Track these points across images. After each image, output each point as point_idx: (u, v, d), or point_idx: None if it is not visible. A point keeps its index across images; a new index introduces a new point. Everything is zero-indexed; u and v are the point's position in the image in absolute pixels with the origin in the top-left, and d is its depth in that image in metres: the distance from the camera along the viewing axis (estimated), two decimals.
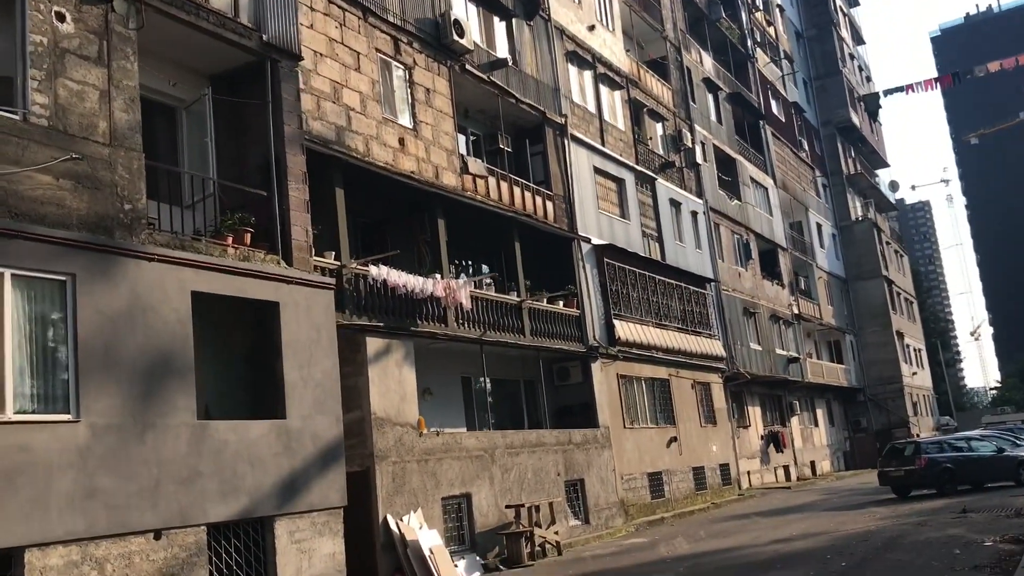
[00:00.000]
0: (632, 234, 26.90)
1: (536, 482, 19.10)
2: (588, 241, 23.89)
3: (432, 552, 14.61)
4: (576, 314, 22.57)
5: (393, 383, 15.65)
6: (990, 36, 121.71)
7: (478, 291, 18.92)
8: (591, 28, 26.65)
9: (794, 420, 38.16)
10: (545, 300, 21.53)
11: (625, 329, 24.49)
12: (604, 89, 27.05)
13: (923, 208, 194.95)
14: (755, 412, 34.56)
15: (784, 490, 31.08)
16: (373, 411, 14.98)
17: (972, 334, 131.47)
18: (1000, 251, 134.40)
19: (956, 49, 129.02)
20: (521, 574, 15.53)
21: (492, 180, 20.42)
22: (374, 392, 15.09)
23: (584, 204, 24.33)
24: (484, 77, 20.89)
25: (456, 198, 18.84)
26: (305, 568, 10.79)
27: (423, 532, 14.90)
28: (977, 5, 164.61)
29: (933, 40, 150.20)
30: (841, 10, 57.22)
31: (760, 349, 34.79)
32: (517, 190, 21.33)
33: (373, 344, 15.36)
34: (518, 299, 20.25)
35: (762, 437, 34.49)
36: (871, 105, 54.91)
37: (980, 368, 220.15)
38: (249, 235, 11.40)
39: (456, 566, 15.44)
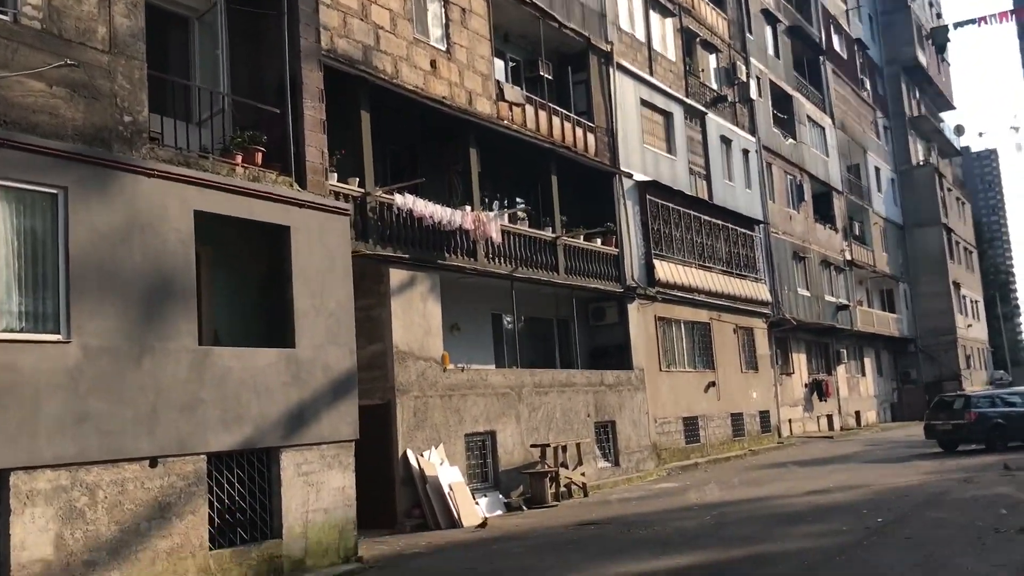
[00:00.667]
0: (678, 171, 25.87)
1: (565, 422, 18.61)
2: (630, 177, 22.97)
3: (452, 488, 14.25)
4: (614, 253, 21.80)
5: (417, 316, 15.15)
6: None
7: (510, 225, 18.26)
8: None
9: (840, 369, 37.12)
10: (582, 237, 20.79)
11: (665, 270, 23.67)
12: (654, 16, 25.78)
13: (990, 156, 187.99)
14: (800, 359, 33.61)
15: (826, 440, 30.29)
16: (395, 344, 14.52)
17: None
18: None
19: None
20: (544, 514, 15.13)
21: (530, 109, 19.57)
22: (397, 325, 14.61)
23: (628, 138, 23.35)
24: None
25: (490, 126, 18.06)
26: (312, 501, 10.43)
27: (444, 468, 14.53)
28: None
29: None
30: None
31: (808, 295, 33.68)
32: (556, 120, 20.45)
33: (397, 276, 14.84)
34: (553, 235, 19.54)
35: (806, 385, 33.59)
36: (939, 38, 52.23)
37: None
38: (260, 154, 10.82)
39: (477, 503, 15.08)
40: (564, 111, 20.92)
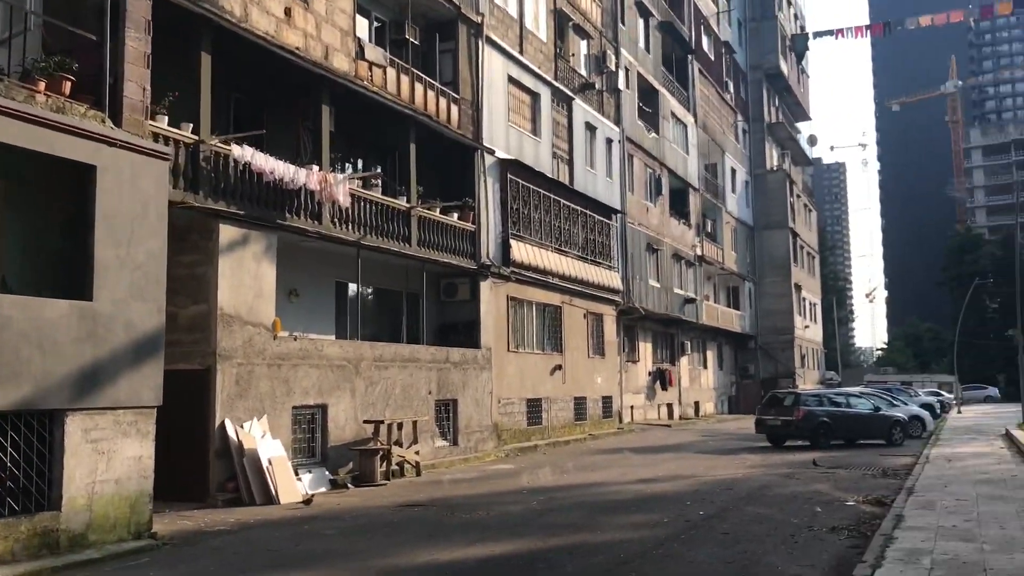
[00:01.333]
0: (542, 153, 25.61)
1: (404, 399, 18.04)
2: (492, 154, 22.50)
3: (271, 463, 13.44)
4: (471, 229, 21.32)
5: (248, 278, 14.19)
6: (924, 3, 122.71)
7: (361, 190, 17.45)
8: None
9: (684, 360, 38.12)
10: (438, 210, 20.21)
11: (522, 250, 23.39)
12: None
13: (838, 169, 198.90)
14: (646, 348, 34.24)
15: (664, 428, 30.96)
16: (220, 306, 13.53)
17: (867, 296, 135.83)
18: (904, 220, 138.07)
19: (891, 9, 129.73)
20: (370, 493, 14.53)
21: (392, 72, 18.76)
22: (224, 285, 13.63)
23: (493, 114, 22.87)
24: None
25: (347, 84, 17.15)
26: (101, 471, 9.44)
27: (264, 441, 13.69)
28: None
29: (871, 4, 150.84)
30: None
31: (658, 286, 34.31)
32: (420, 87, 19.71)
33: (228, 232, 13.83)
34: (407, 205, 18.86)
35: (650, 373, 34.27)
36: (799, 45, 54.42)
37: (870, 329, 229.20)
38: (69, 84, 9.65)
39: (300, 480, 14.33)
40: (429, 79, 20.19)
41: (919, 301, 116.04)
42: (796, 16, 58.74)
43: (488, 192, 22.26)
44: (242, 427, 13.57)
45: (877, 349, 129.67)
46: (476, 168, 21.80)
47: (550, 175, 25.69)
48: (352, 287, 18.24)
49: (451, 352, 20.02)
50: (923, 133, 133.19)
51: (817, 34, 52.03)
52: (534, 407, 23.94)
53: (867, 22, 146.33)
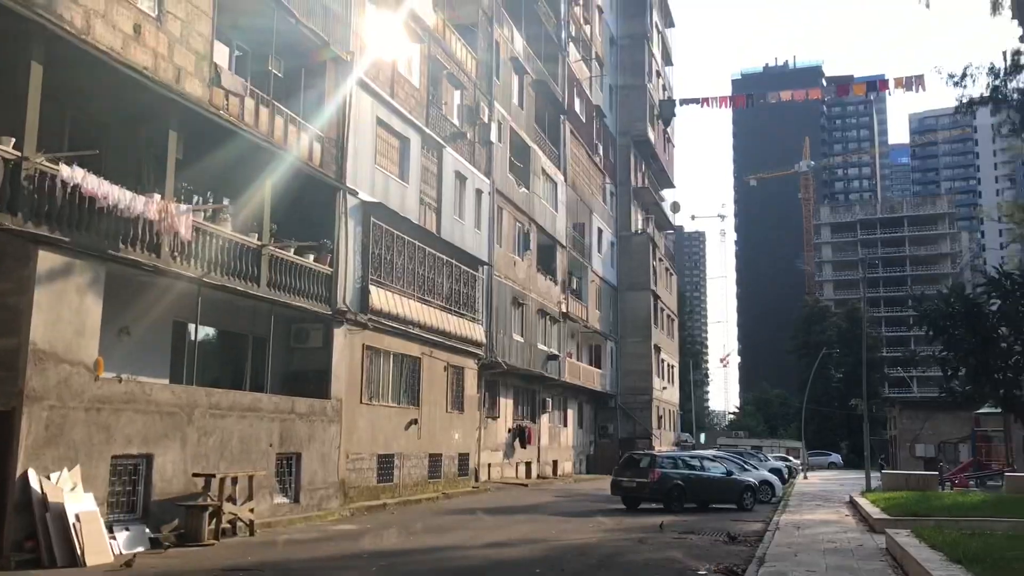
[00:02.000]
0: (409, 198, 24.97)
1: (242, 451, 16.73)
2: (356, 195, 21.70)
3: (79, 519, 11.98)
4: (328, 272, 20.34)
5: (69, 312, 12.81)
6: (785, 80, 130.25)
7: (207, 224, 16.30)
8: None
9: (544, 417, 37.81)
10: (293, 250, 19.16)
11: (382, 297, 22.54)
12: (403, 38, 24.92)
13: (699, 237, 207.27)
14: (507, 404, 33.73)
15: (521, 487, 30.35)
16: (33, 341, 12.11)
17: (722, 360, 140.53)
18: (758, 290, 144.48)
19: (754, 85, 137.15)
20: (193, 554, 13.19)
21: (250, 102, 17.80)
22: (38, 318, 12.22)
23: (359, 155, 22.13)
24: None
25: (199, 112, 16.08)
26: None
27: (75, 494, 12.23)
28: (776, 59, 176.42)
29: (734, 82, 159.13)
30: (657, 27, 58.21)
31: (522, 341, 33.99)
32: (280, 121, 18.80)
33: (48, 260, 12.47)
34: (259, 243, 17.76)
35: (510, 430, 33.71)
36: (666, 111, 56.43)
37: (724, 393, 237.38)
38: None
39: (115, 538, 12.89)
40: (291, 113, 19.32)
41: (770, 368, 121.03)
42: (665, 87, 60.89)
43: (349, 235, 21.39)
44: (48, 478, 12.08)
45: (730, 413, 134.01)
46: (337, 209, 20.92)
47: (416, 222, 25.06)
48: (192, 328, 16.92)
49: (297, 402, 18.84)
50: (778, 207, 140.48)
51: (684, 101, 54.27)
52: (386, 463, 22.88)
53: (730, 114, 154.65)
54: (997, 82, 20.11)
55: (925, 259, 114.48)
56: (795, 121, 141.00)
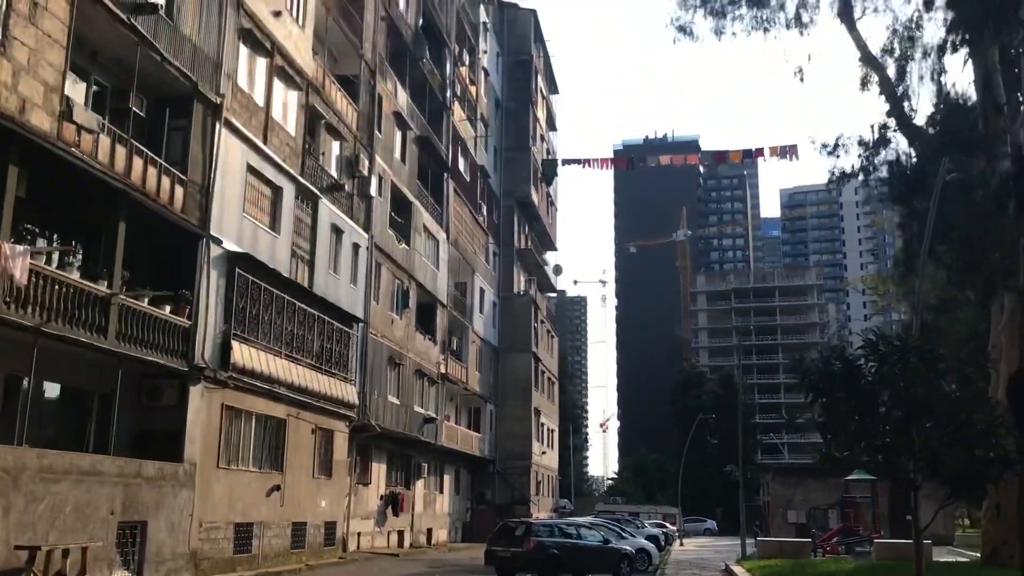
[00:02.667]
0: (280, 250, 23.81)
1: (78, 519, 15.08)
2: (220, 244, 20.46)
3: None
4: (186, 325, 18.97)
5: None
6: (666, 148, 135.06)
7: (49, 268, 14.90)
8: (277, 14, 23.65)
9: (419, 483, 36.52)
10: (147, 300, 17.78)
11: (246, 354, 21.20)
12: (279, 84, 24.03)
13: (581, 302, 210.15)
14: (380, 469, 32.35)
15: (392, 557, 28.91)
16: None
17: (601, 426, 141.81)
18: (637, 355, 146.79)
19: (635, 152, 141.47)
20: None
21: (105, 140, 16.58)
22: None
23: (227, 203, 20.96)
24: (123, 17, 17.09)
25: (46, 146, 14.79)
26: None
27: None
28: (656, 131, 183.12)
29: (616, 151, 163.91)
30: (541, 92, 59.15)
31: (398, 403, 32.84)
32: (139, 161, 17.57)
33: None
34: (107, 291, 16.34)
35: (382, 497, 32.28)
36: (548, 171, 57.22)
37: (603, 458, 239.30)
38: None
39: None
40: (152, 155, 18.10)
41: (649, 433, 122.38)
42: (549, 151, 61.69)
43: (211, 286, 20.09)
44: None
45: (608, 479, 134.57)
46: (199, 258, 19.64)
47: (287, 275, 23.89)
48: (28, 382, 15.27)
49: (145, 465, 17.26)
50: (656, 275, 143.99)
51: (566, 161, 55.33)
52: (244, 533, 21.25)
53: (611, 183, 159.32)
54: (867, 153, 20.83)
55: (795, 328, 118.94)
56: (673, 192, 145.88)
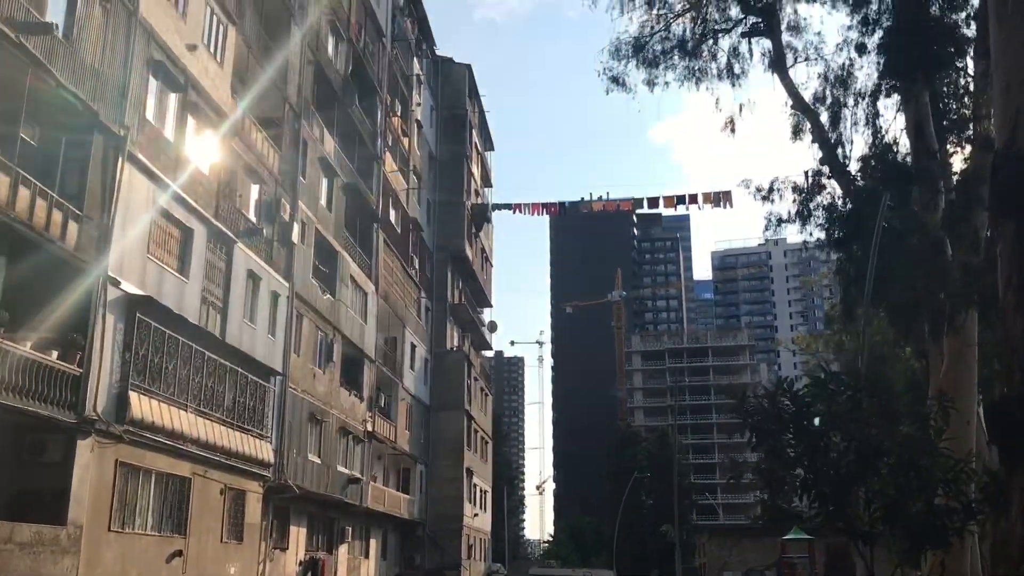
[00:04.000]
0: (188, 296, 22.22)
1: None
2: (118, 285, 18.87)
3: None
4: (76, 373, 17.27)
5: None
6: (599, 216, 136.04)
7: None
8: (192, 48, 22.47)
9: (343, 548, 34.46)
10: (29, 344, 16.10)
11: (145, 406, 19.47)
12: (192, 121, 22.74)
13: (518, 363, 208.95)
14: (299, 533, 30.34)
15: None
16: None
17: (537, 488, 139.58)
18: (573, 416, 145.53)
19: (569, 222, 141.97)
20: None
21: None
22: None
23: (129, 242, 19.44)
24: (13, 36, 15.74)
25: None
26: None
27: None
28: (591, 194, 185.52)
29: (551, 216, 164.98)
30: (476, 147, 58.66)
31: (319, 462, 30.99)
32: (26, 193, 16.07)
33: None
34: None
35: (301, 563, 30.19)
36: (480, 214, 56.69)
37: (539, 521, 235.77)
38: None
39: None
40: (42, 187, 16.58)
41: (585, 495, 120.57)
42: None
43: (107, 331, 18.44)
44: None
45: (544, 542, 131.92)
46: (94, 300, 18.02)
47: (196, 322, 22.28)
48: None
49: (18, 528, 15.39)
50: (593, 335, 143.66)
51: (496, 206, 55.04)
52: None
53: (547, 242, 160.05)
54: (802, 198, 20.37)
55: (728, 388, 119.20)
56: (609, 253, 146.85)
